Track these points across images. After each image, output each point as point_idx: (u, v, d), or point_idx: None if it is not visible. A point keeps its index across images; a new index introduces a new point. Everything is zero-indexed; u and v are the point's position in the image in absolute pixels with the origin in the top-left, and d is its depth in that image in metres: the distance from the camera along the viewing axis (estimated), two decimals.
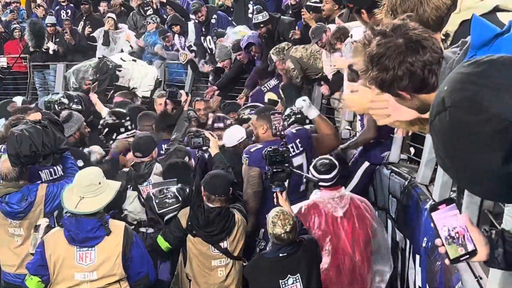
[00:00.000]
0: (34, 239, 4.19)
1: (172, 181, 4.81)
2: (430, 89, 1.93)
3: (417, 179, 4.37)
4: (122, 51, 11.03)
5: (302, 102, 5.40)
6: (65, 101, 7.21)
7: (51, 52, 11.89)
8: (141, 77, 9.24)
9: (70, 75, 9.46)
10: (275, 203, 4.53)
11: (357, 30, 5.33)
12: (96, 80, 8.88)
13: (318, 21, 7.51)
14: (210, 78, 9.83)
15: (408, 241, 4.39)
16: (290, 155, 4.83)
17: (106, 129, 6.20)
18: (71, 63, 11.03)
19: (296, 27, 8.23)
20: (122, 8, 12.42)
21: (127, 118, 6.16)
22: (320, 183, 4.57)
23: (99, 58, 9.80)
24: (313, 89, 7.77)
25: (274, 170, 4.56)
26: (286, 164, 4.56)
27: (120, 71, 9.08)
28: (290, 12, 9.17)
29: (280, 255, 4.22)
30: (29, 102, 8.64)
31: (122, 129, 6.08)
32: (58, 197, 4.38)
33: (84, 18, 12.40)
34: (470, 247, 1.81)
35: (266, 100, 7.73)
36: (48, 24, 11.79)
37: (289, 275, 4.22)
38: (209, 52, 9.87)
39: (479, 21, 1.93)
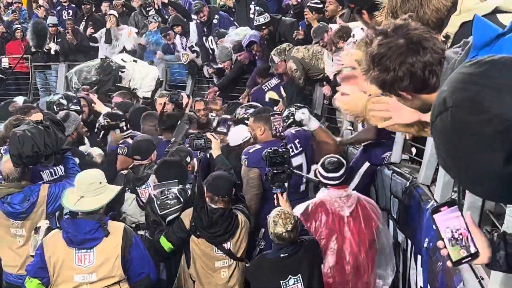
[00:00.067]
0: (34, 241, 4.19)
1: (173, 182, 4.80)
2: (431, 89, 1.93)
3: (419, 180, 4.35)
4: (124, 48, 11.04)
5: (301, 115, 5.32)
6: (64, 102, 7.21)
7: (52, 52, 11.91)
8: (141, 77, 9.21)
9: (72, 76, 9.43)
10: (276, 204, 4.53)
11: (359, 30, 5.32)
12: (99, 81, 8.88)
13: (321, 22, 7.51)
14: (215, 80, 9.81)
15: (409, 242, 4.38)
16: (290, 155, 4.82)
17: (102, 132, 6.21)
18: (73, 63, 11.02)
19: (300, 27, 8.22)
20: (124, 8, 12.42)
21: (122, 119, 6.17)
22: (328, 182, 4.53)
23: (101, 58, 9.79)
24: (315, 89, 7.76)
25: (275, 171, 4.56)
26: (286, 165, 4.55)
27: (123, 72, 9.06)
28: (292, 12, 9.16)
29: (281, 255, 4.21)
30: (30, 102, 8.62)
31: (117, 131, 6.08)
32: (60, 198, 4.37)
33: (85, 18, 12.41)
34: (472, 249, 1.81)
35: (267, 100, 7.70)
36: (50, 25, 11.77)
37: (290, 276, 4.21)
38: (211, 52, 9.87)
39: (481, 22, 1.93)
